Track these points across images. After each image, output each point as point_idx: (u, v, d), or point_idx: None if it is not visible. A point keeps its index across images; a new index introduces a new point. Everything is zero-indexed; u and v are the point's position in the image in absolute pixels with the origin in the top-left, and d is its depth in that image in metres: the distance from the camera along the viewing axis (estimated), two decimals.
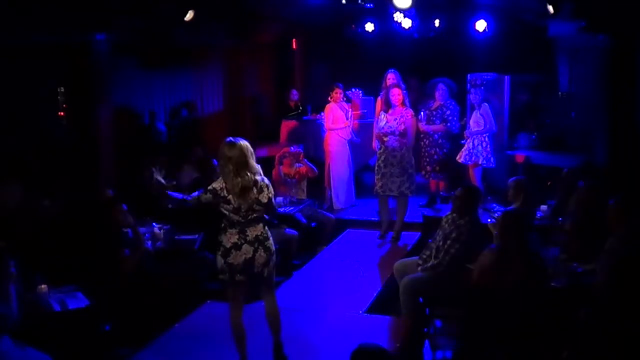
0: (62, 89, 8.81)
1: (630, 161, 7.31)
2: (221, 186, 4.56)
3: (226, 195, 4.53)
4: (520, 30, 9.74)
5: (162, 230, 6.34)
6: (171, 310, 5.84)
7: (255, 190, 4.55)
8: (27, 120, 8.38)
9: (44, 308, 4.66)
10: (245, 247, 4.59)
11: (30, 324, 4.15)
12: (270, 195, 4.62)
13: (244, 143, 4.59)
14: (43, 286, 4.80)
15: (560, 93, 9.66)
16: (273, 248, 4.75)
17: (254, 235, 4.61)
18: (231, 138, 4.61)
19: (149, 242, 6.14)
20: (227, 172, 4.53)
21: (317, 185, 9.13)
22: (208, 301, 6.26)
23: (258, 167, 4.65)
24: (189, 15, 7.77)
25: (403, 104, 7.90)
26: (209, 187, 4.61)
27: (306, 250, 7.76)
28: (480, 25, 9.75)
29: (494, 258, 4.68)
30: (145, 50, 9.36)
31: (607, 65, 7.67)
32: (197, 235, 6.51)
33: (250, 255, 4.60)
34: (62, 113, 9.01)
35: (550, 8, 7.45)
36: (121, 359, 5.17)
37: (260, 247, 4.63)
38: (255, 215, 4.59)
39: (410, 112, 8.00)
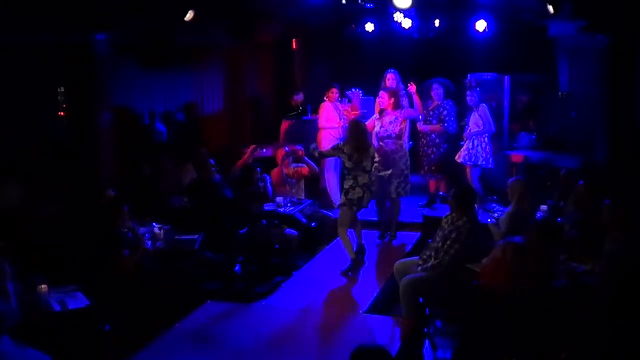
0: (62, 89, 8.80)
1: (630, 161, 7.31)
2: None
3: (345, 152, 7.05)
4: (520, 30, 9.71)
5: (162, 230, 6.34)
6: (171, 310, 5.84)
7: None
8: (27, 120, 8.37)
9: (44, 308, 4.66)
10: (357, 189, 7.01)
11: (30, 324, 4.15)
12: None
13: (364, 124, 7.36)
14: (43, 286, 4.80)
15: (560, 93, 9.64)
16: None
17: (362, 182, 7.01)
18: (357, 119, 7.72)
19: (149, 242, 6.14)
20: (350, 139, 7.05)
21: (317, 184, 9.12)
22: (208, 301, 6.26)
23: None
24: (189, 15, 7.77)
25: (394, 106, 7.98)
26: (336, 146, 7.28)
27: (306, 250, 7.76)
28: (480, 25, 9.74)
29: (515, 260, 4.68)
30: (145, 50, 9.34)
31: (607, 65, 7.67)
32: (197, 235, 6.51)
33: (360, 195, 7.02)
34: (62, 113, 9.01)
35: (550, 8, 7.45)
36: (121, 359, 5.17)
37: (367, 190, 7.07)
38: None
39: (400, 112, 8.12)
